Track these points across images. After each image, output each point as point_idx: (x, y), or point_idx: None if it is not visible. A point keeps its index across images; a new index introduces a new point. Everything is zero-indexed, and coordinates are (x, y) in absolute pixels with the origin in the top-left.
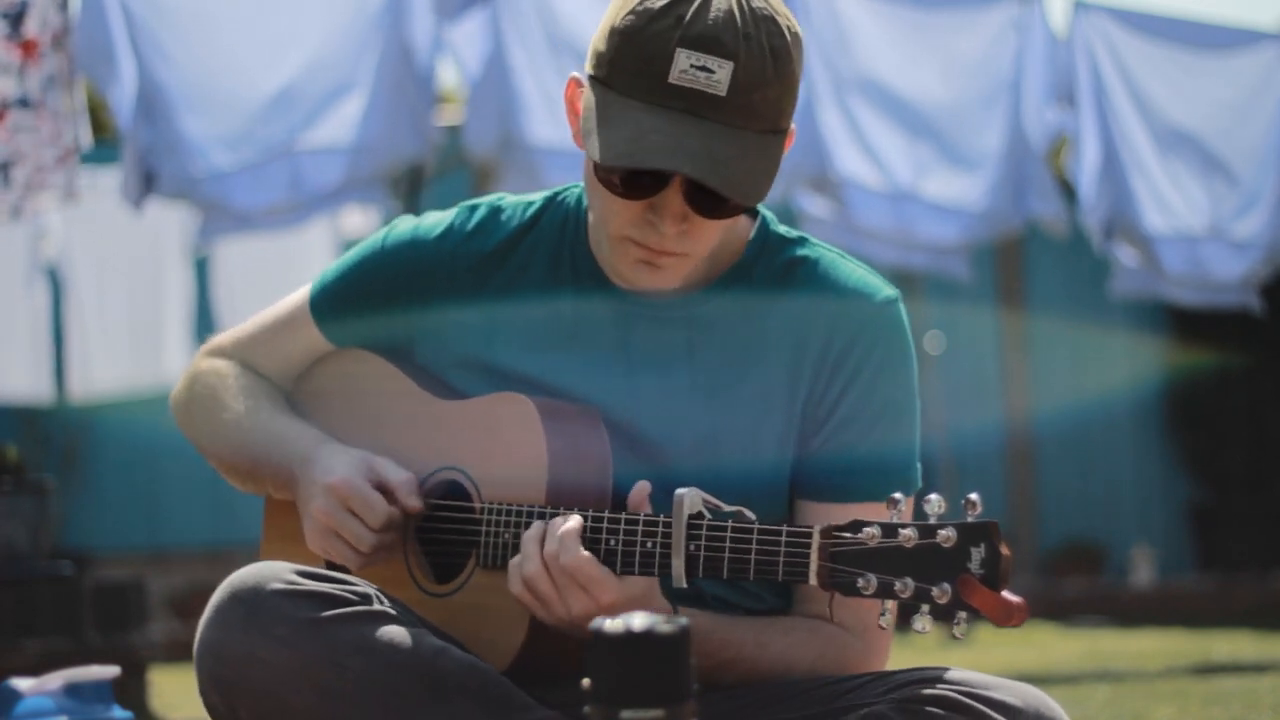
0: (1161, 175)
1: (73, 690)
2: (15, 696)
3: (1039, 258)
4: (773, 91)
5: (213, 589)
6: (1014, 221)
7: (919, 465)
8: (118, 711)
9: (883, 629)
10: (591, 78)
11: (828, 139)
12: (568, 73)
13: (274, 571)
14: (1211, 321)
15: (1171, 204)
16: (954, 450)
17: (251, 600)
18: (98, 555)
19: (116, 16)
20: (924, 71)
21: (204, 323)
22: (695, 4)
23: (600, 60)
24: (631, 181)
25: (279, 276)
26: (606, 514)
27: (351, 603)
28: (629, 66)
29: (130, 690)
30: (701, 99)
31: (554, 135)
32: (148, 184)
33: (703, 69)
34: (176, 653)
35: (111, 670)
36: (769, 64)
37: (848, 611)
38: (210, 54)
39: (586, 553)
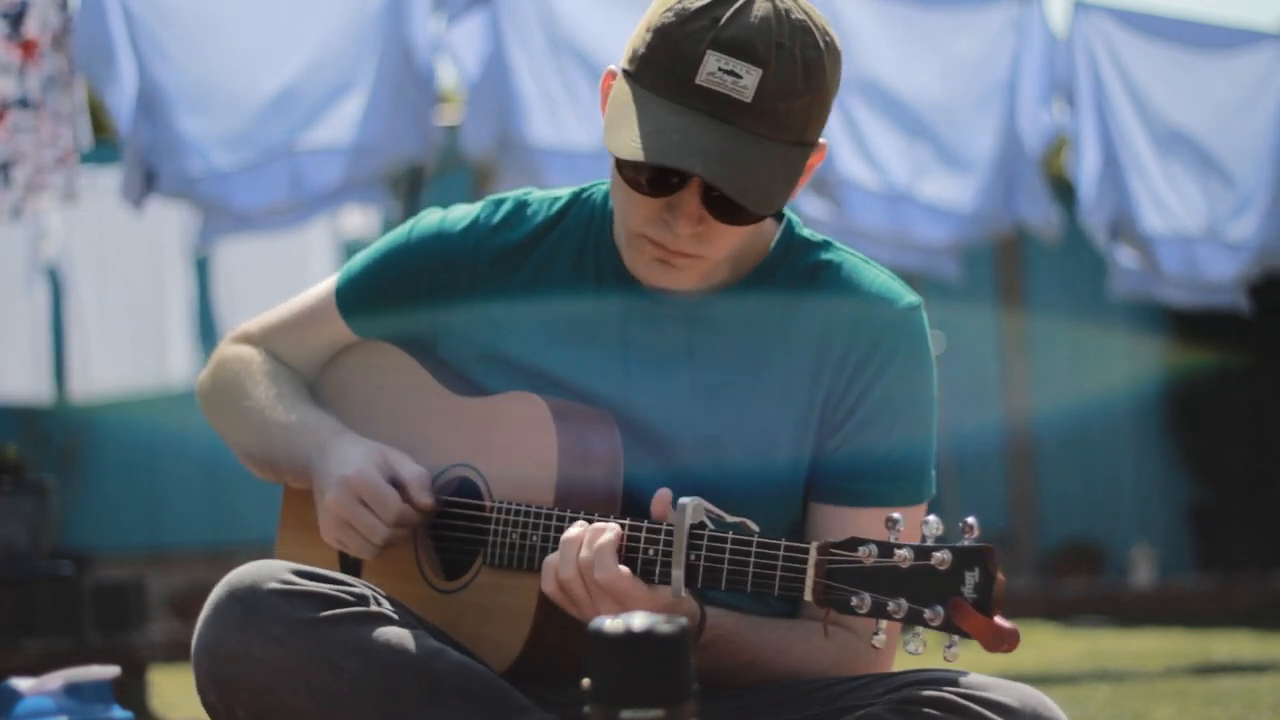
0: (1159, 176)
1: (73, 690)
2: (15, 696)
3: (1038, 258)
4: (801, 102)
5: (213, 589)
6: (1004, 224)
7: (934, 473)
8: (118, 711)
9: (876, 649)
10: (625, 72)
11: (831, 141)
12: (568, 73)
13: (271, 570)
14: (1211, 322)
15: (1169, 205)
16: (954, 450)
17: (248, 599)
18: (98, 555)
19: (116, 16)
20: (923, 72)
21: (205, 322)
22: (734, 7)
23: (634, 55)
24: (650, 178)
25: (280, 276)
26: (645, 524)
27: (348, 603)
28: (659, 63)
29: (130, 690)
30: (726, 103)
31: (553, 135)
32: (148, 183)
33: (730, 73)
34: (176, 653)
35: (111, 670)
36: (800, 75)
37: (855, 618)
38: (210, 54)
39: (622, 568)
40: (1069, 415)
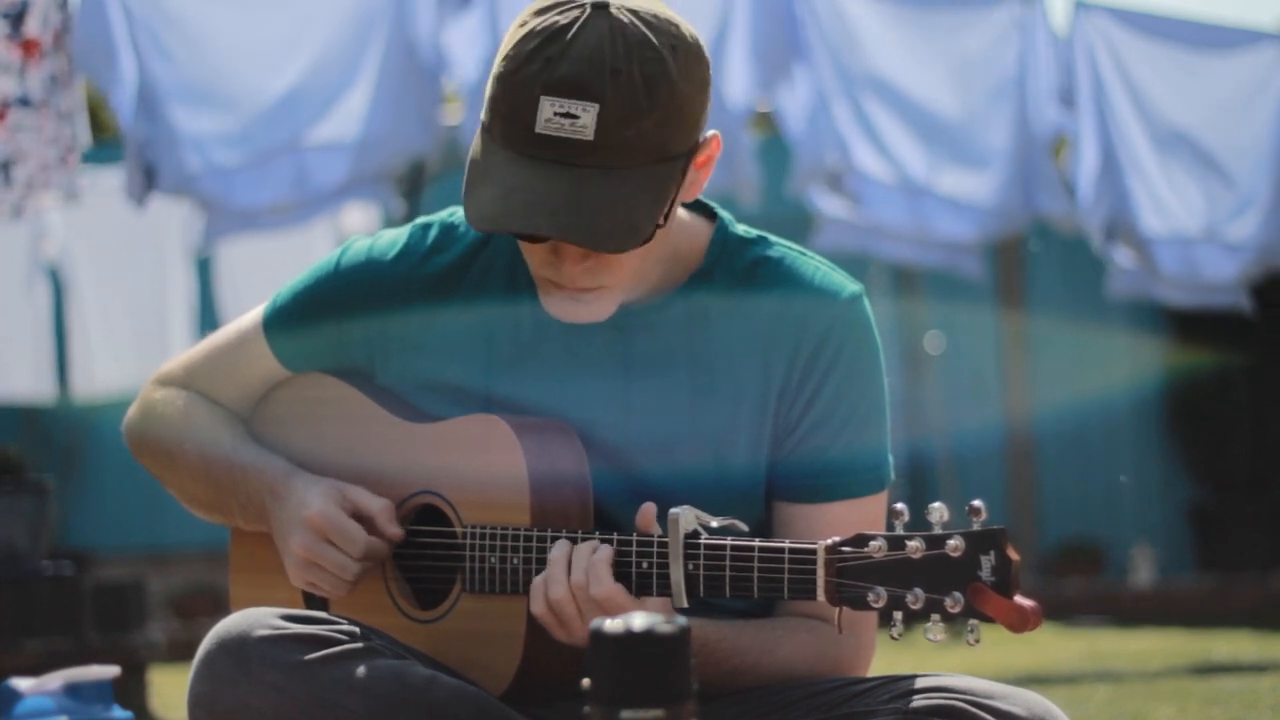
0: (1159, 177)
1: (73, 690)
2: (15, 696)
3: (1038, 258)
4: (649, 123)
5: (213, 589)
6: (1023, 218)
7: (891, 458)
8: (118, 711)
9: (894, 639)
10: (482, 125)
11: (843, 134)
12: None
13: (258, 618)
14: (1211, 322)
15: (1168, 205)
16: (954, 450)
17: (239, 650)
18: (98, 555)
19: (117, 15)
20: (929, 70)
21: (207, 320)
22: (565, 42)
23: (486, 107)
24: (519, 234)
25: (282, 273)
26: (635, 538)
27: (341, 642)
28: (504, 115)
29: (130, 690)
30: (569, 146)
31: None
32: (150, 181)
33: (566, 115)
34: (176, 653)
35: (111, 670)
36: (641, 96)
37: (830, 610)
38: (213, 51)
39: (617, 584)
40: (1069, 415)
